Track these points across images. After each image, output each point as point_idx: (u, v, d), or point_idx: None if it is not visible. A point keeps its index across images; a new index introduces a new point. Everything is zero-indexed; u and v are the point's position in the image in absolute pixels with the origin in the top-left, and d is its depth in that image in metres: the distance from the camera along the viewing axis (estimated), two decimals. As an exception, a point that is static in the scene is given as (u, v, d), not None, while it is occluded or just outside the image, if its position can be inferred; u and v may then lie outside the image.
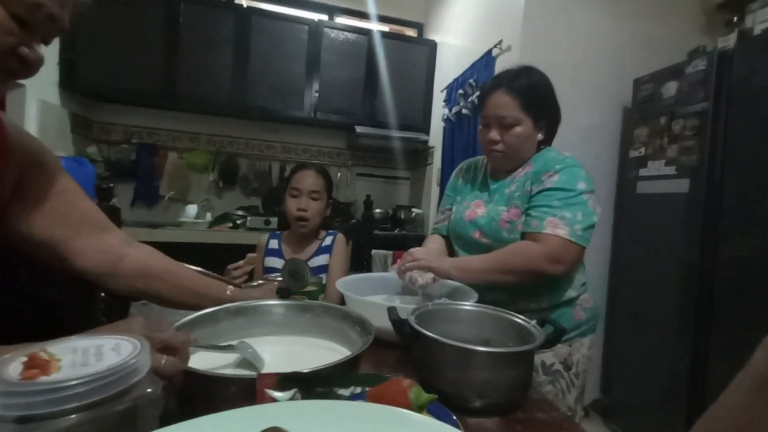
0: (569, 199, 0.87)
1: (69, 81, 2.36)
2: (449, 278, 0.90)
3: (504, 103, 0.92)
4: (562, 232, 0.84)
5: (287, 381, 0.31)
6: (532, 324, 0.66)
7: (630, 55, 1.96)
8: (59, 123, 2.37)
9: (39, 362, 0.28)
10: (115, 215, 0.80)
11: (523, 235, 0.91)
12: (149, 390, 0.32)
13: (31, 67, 0.48)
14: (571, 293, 0.95)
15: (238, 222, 2.70)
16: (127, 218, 2.66)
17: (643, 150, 1.80)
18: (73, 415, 0.28)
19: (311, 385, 0.31)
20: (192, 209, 2.68)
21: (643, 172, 1.80)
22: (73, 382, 0.27)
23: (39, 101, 2.17)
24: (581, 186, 0.89)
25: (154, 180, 2.81)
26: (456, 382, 0.56)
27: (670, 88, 1.69)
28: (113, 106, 2.74)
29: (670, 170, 1.66)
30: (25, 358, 0.28)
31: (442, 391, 0.56)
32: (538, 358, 0.92)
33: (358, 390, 0.33)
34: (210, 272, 0.85)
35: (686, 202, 1.58)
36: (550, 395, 0.91)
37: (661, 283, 1.68)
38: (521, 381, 0.59)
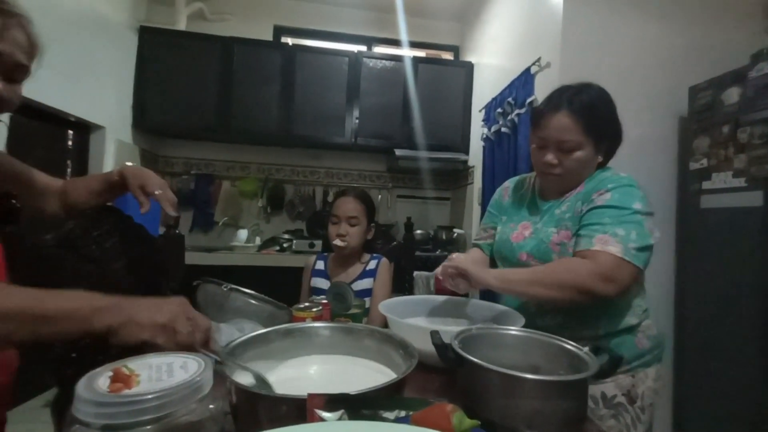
0: (622, 217, 0.81)
1: (140, 121, 2.67)
2: (488, 287, 0.85)
3: (565, 125, 0.86)
4: (614, 249, 0.78)
5: (335, 402, 0.33)
6: (584, 351, 0.63)
7: (683, 62, 1.85)
8: (131, 159, 2.66)
9: (122, 377, 0.32)
10: (180, 243, 0.89)
11: (574, 256, 0.86)
12: (211, 406, 0.35)
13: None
14: (631, 320, 0.88)
15: (285, 245, 2.82)
16: (185, 244, 2.87)
17: (705, 161, 1.67)
18: (148, 426, 0.31)
19: (358, 407, 0.32)
20: (243, 234, 2.85)
21: (706, 184, 1.66)
22: (150, 396, 0.30)
23: (116, 141, 2.46)
24: (637, 206, 0.83)
25: (210, 207, 3.04)
26: (503, 411, 0.54)
27: (732, 95, 1.56)
28: (176, 141, 3.03)
29: (739, 182, 1.52)
30: (111, 373, 0.32)
31: (489, 420, 0.54)
32: (597, 390, 0.86)
33: (403, 414, 0.33)
34: (262, 295, 0.90)
35: (761, 216, 1.43)
36: (613, 431, 0.84)
37: (737, 307, 1.51)
38: (575, 413, 0.55)
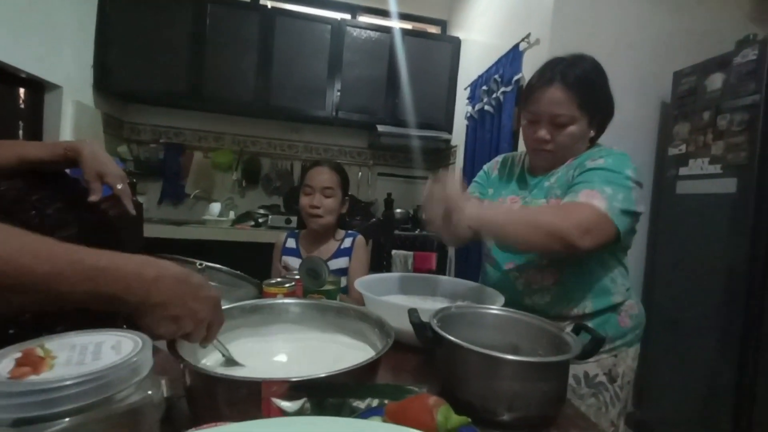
0: (613, 178, 0.78)
1: (102, 83, 2.45)
2: (468, 224, 0.74)
3: (559, 99, 0.82)
4: (598, 203, 0.74)
5: (297, 389, 0.28)
6: (565, 332, 0.61)
7: (669, 46, 1.83)
8: (93, 123, 2.46)
9: (32, 359, 0.26)
10: (138, 210, 0.81)
11: None
12: (150, 392, 0.30)
13: None
14: (616, 298, 0.87)
15: (260, 220, 2.73)
16: (153, 216, 2.73)
17: (683, 147, 1.68)
18: (66, 419, 0.25)
19: (324, 395, 0.28)
20: (216, 207, 2.73)
21: (683, 170, 1.68)
22: (66, 383, 0.25)
23: (75, 102, 2.26)
24: (629, 172, 0.80)
25: (181, 179, 2.88)
26: (482, 393, 0.51)
27: (715, 81, 1.56)
28: (143, 107, 2.83)
29: (715, 169, 1.54)
30: (19, 354, 0.27)
31: (467, 402, 0.52)
32: (580, 369, 0.85)
33: (375, 403, 0.29)
34: (236, 271, 0.84)
35: (733, 203, 1.46)
36: (592, 409, 0.84)
37: (703, 290, 1.56)
38: (555, 394, 0.53)
